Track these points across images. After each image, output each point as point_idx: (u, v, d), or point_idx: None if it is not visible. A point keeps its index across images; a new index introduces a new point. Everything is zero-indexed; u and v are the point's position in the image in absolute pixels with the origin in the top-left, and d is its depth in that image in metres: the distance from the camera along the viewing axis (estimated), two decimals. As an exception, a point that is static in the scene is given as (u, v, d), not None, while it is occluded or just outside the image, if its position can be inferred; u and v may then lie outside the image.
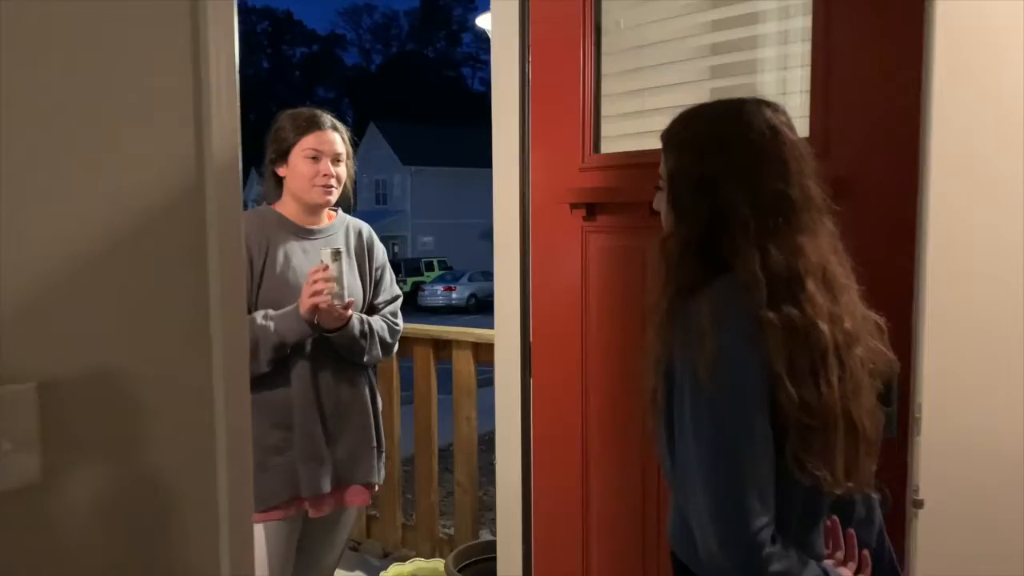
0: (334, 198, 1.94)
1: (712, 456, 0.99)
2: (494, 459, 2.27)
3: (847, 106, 1.52)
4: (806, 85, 1.59)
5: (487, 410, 2.52)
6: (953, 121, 1.36)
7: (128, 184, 0.90)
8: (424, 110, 48.17)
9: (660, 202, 1.18)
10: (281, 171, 1.93)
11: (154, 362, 0.93)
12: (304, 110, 1.95)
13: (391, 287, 2.09)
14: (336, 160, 1.92)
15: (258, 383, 1.79)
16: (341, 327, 1.87)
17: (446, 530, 3.17)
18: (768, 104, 1.10)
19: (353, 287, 1.92)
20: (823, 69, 1.55)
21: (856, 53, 1.52)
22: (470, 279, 23.63)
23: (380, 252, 2.09)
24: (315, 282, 1.78)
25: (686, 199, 1.10)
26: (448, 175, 32.22)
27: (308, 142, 1.89)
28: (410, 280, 25.68)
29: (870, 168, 1.49)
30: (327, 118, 1.94)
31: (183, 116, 0.94)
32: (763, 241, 1.03)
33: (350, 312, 1.87)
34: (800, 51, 1.68)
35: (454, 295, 23.38)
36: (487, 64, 2.19)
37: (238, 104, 1.04)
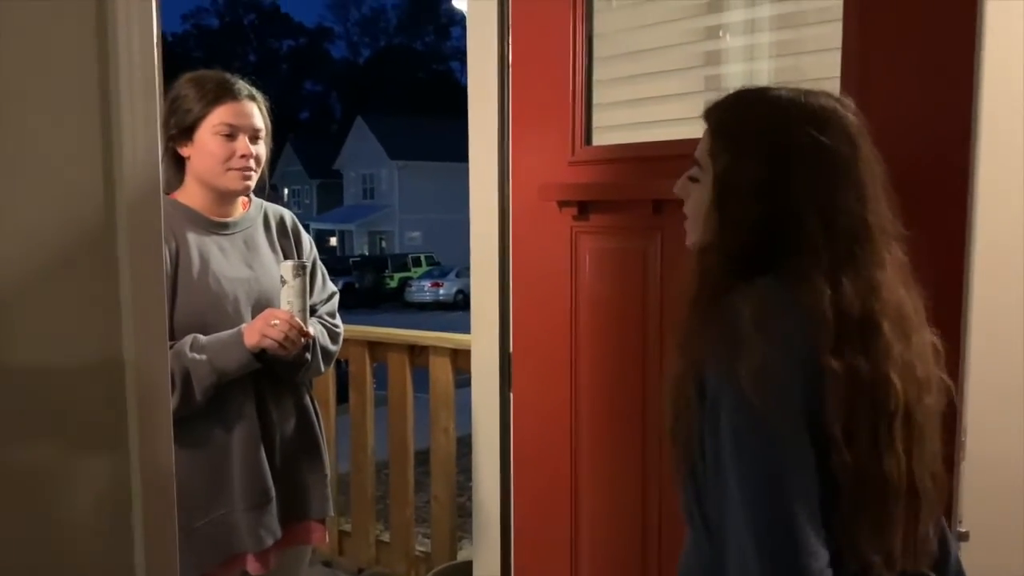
0: (253, 184, 1.61)
1: (760, 481, 0.83)
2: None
3: (885, 97, 1.33)
4: (829, 72, 1.39)
5: (466, 411, 2.33)
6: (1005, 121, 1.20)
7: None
8: (412, 104, 47.88)
9: (687, 190, 1.00)
10: (184, 151, 1.57)
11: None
12: (211, 73, 1.59)
13: (325, 283, 1.76)
14: (255, 137, 1.59)
15: (182, 425, 1.33)
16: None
17: (423, 548, 2.99)
18: (839, 101, 0.94)
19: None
20: (856, 54, 1.36)
21: (897, 37, 1.33)
22: (457, 275, 23.44)
23: (308, 242, 1.76)
24: (275, 324, 1.50)
25: (738, 205, 0.92)
26: (436, 170, 31.90)
27: (220, 115, 1.54)
28: (397, 276, 25.62)
29: (909, 171, 1.32)
30: (242, 84, 1.59)
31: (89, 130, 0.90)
32: (836, 273, 0.87)
33: (306, 341, 1.57)
34: (819, 33, 1.49)
35: (441, 291, 23.28)
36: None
37: (157, 120, 0.96)
